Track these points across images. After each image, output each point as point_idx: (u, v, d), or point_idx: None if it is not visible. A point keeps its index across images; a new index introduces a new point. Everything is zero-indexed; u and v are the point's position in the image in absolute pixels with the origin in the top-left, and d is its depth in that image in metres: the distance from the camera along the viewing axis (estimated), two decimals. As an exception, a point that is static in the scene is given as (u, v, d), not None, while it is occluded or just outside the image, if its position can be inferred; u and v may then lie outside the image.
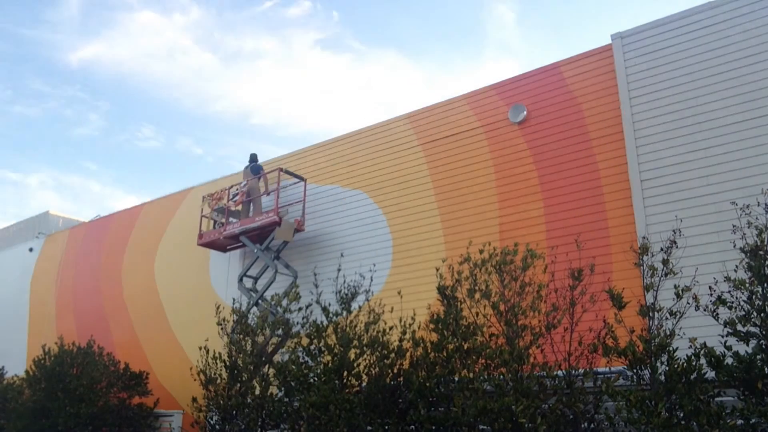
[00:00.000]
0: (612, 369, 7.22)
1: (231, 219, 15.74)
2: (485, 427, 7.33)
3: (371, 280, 9.67)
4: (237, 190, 15.68)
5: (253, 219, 14.83)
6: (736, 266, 6.57)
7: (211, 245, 15.97)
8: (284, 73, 72.96)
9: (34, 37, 59.38)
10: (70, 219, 24.24)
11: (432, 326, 8.39)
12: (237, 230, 14.96)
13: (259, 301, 14.03)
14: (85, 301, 19.98)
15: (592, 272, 7.70)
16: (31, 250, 22.99)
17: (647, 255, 7.09)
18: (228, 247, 16.05)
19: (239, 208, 15.59)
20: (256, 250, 14.62)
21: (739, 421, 5.90)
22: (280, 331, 11.97)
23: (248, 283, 15.10)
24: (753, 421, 5.85)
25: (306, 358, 9.37)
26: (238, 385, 10.10)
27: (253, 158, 15.95)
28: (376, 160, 14.48)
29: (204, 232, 15.93)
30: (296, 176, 15.28)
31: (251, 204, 15.25)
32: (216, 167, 79.51)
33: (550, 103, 12.23)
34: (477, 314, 8.07)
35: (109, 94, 67.35)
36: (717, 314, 6.48)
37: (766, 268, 6.34)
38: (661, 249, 6.99)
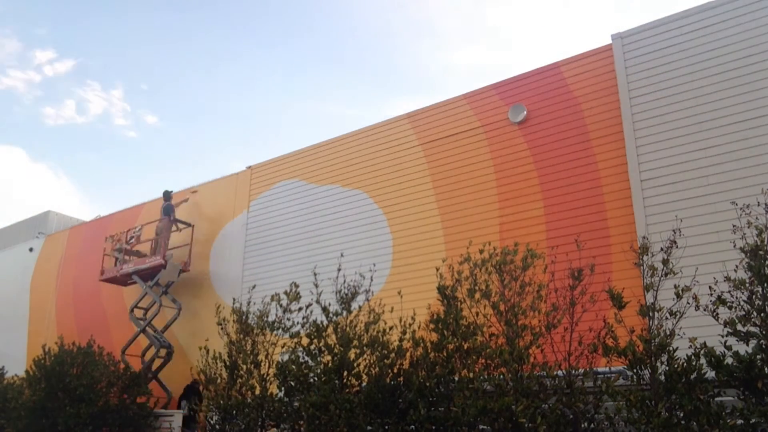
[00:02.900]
0: (612, 369, 7.21)
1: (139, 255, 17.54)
2: (485, 427, 7.33)
3: (371, 280, 9.66)
4: (133, 234, 17.83)
5: (144, 260, 16.88)
6: (736, 266, 6.56)
7: (112, 281, 18.05)
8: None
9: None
10: (70, 219, 24.23)
11: (432, 326, 8.38)
12: (130, 270, 17.14)
13: (146, 328, 16.15)
14: (85, 301, 19.98)
15: (592, 272, 7.70)
16: (31, 250, 22.98)
17: (647, 255, 7.09)
18: (128, 282, 17.89)
19: (137, 249, 17.71)
20: (144, 287, 16.71)
21: (739, 421, 5.90)
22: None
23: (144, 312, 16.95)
24: (753, 421, 5.84)
25: (306, 358, 9.36)
26: (238, 384, 10.09)
27: (167, 196, 17.40)
28: (376, 160, 14.48)
29: (105, 269, 18.03)
30: (185, 223, 17.31)
31: (158, 242, 16.82)
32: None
33: (550, 103, 12.22)
34: (477, 314, 8.07)
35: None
36: (717, 314, 6.47)
37: (766, 268, 6.33)
38: (661, 249, 6.98)
